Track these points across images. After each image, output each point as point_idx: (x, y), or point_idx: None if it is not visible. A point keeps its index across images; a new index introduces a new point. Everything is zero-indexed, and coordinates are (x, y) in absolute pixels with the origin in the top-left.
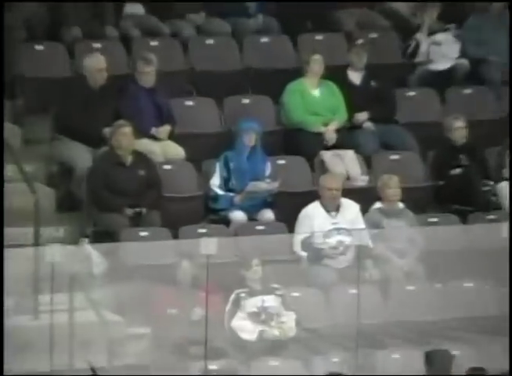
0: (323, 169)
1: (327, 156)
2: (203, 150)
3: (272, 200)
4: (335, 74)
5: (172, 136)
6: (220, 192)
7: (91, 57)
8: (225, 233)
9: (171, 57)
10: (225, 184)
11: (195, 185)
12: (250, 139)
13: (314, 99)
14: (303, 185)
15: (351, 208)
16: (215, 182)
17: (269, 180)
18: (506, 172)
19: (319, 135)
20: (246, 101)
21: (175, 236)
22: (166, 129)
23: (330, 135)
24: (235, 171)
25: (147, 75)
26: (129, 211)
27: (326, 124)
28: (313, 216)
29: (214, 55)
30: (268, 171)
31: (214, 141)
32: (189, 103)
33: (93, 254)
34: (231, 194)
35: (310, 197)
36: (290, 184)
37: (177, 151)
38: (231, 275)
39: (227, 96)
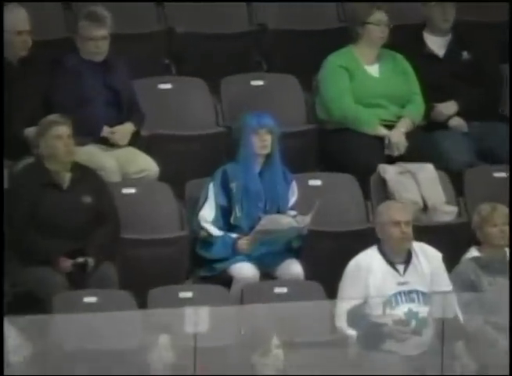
0: (385, 194)
1: (391, 173)
2: (187, 162)
3: (300, 246)
4: (404, 39)
5: (137, 141)
6: (215, 231)
7: (6, 13)
8: (224, 298)
9: (136, 13)
10: (224, 218)
11: (174, 220)
12: (262, 143)
13: (371, 80)
14: (351, 220)
15: (429, 258)
16: (207, 215)
17: (295, 213)
18: None
19: (378, 139)
20: (257, 83)
21: (143, 305)
22: (126, 129)
23: (397, 140)
24: (239, 197)
25: (96, 42)
26: (67, 263)
27: (389, 123)
28: (368, 271)
29: (207, 10)
30: (293, 198)
31: (205, 148)
32: (166, 85)
33: (9, 333)
34: (233, 236)
35: (362, 239)
36: (331, 219)
37: (145, 165)
38: (233, 365)
39: (226, 75)
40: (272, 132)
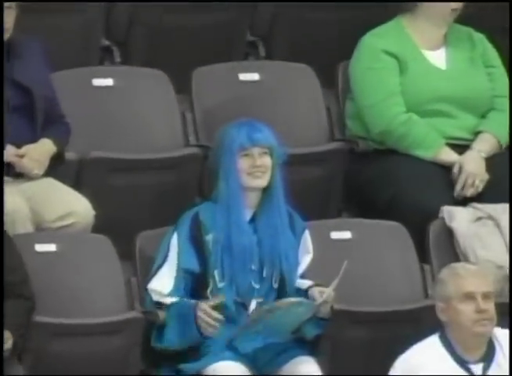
0: (452, 253)
1: (462, 220)
2: (138, 202)
3: (317, 336)
4: (483, 10)
5: (59, 169)
6: (168, 299)
7: None
8: None
9: None
10: (195, 292)
11: (118, 294)
12: (255, 171)
13: (433, 74)
14: (399, 294)
15: None
16: (162, 285)
17: (310, 282)
18: None
19: (443, 168)
20: (250, 77)
21: None
22: (42, 150)
23: (472, 170)
24: (219, 258)
25: None
26: None
27: (460, 142)
28: (426, 371)
29: None
30: (306, 259)
31: (166, 179)
32: (104, 81)
33: None
34: (210, 321)
35: (416, 324)
36: (366, 293)
37: (72, 207)
38: None
39: (201, 65)
40: (272, 154)
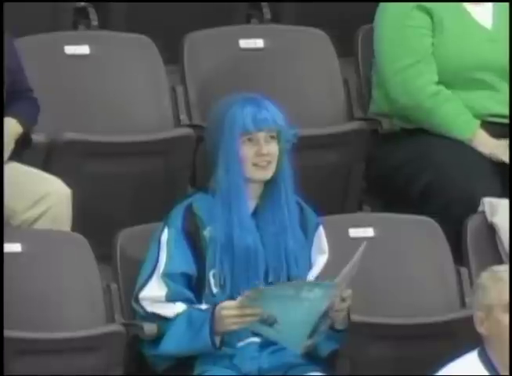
0: (495, 254)
1: (505, 213)
2: (120, 193)
3: (333, 353)
4: None
5: (25, 153)
6: (169, 309)
7: None
8: None
9: None
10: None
11: (95, 302)
12: (260, 159)
13: (476, 34)
14: (432, 303)
15: None
16: (152, 292)
17: (325, 288)
18: None
19: (478, 154)
20: (253, 43)
21: None
22: (6, 131)
23: None
24: (217, 258)
25: None
26: None
27: (505, 120)
28: None
29: None
30: (321, 260)
31: (153, 166)
32: (79, 48)
33: None
34: (203, 307)
35: (451, 339)
36: (393, 301)
37: (45, 189)
38: None
39: (194, 29)
40: (280, 138)
